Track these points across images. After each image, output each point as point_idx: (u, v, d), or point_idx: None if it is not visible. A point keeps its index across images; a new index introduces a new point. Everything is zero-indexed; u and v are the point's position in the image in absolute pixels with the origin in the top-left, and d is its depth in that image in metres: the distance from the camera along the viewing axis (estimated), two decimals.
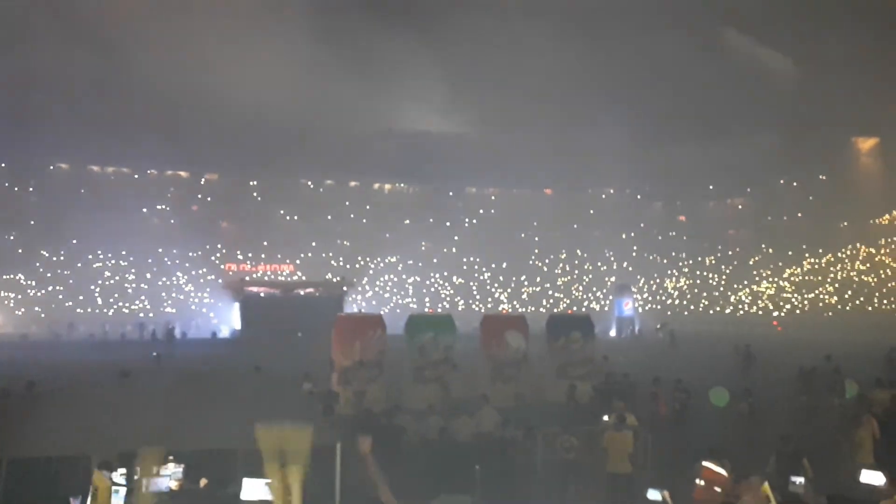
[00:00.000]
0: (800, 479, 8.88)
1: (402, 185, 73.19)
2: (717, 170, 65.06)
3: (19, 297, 54.08)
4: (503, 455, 11.61)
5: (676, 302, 67.26)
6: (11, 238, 56.67)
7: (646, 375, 18.45)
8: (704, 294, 67.60)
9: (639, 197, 74.99)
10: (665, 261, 71.37)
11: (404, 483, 8.98)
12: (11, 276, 54.55)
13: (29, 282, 55.23)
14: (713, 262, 70.60)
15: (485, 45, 60.24)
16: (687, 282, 69.62)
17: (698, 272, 70.12)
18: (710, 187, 72.44)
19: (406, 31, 58.07)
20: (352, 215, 68.49)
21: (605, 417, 12.37)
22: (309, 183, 69.85)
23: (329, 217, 67.03)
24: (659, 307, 65.03)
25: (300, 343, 27.21)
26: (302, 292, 46.02)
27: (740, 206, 74.44)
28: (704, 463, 8.90)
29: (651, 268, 69.90)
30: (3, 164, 59.81)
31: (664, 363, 23.67)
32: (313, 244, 64.06)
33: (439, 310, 57.43)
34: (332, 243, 65.24)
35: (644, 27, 58.95)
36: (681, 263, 71.48)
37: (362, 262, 65.67)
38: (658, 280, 69.71)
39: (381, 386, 18.28)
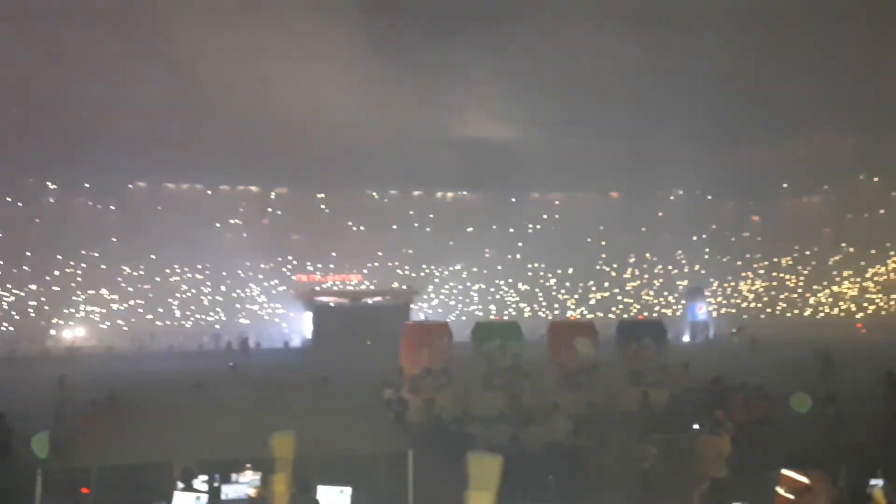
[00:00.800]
0: (877, 482, 8.49)
1: (464, 192, 73.44)
2: (792, 167, 62.75)
3: (104, 311, 56.71)
4: (576, 464, 11.44)
5: (752, 305, 64.99)
6: (95, 255, 59.58)
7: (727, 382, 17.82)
8: (782, 296, 65.10)
9: (710, 197, 72.86)
10: (739, 263, 69.11)
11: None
12: (96, 292, 57.31)
13: (112, 296, 57.85)
14: (790, 262, 67.95)
15: (546, 47, 59.87)
16: (763, 284, 67.20)
17: (775, 273, 67.60)
18: (785, 185, 69.71)
19: (466, 36, 58.23)
20: (416, 224, 69.13)
21: (696, 426, 12.13)
22: (374, 194, 70.94)
23: (394, 227, 67.83)
24: (734, 311, 62.96)
25: (369, 351, 27.55)
26: (370, 301, 46.60)
27: (818, 204, 71.37)
28: (784, 471, 8.55)
29: (725, 270, 67.77)
30: (87, 185, 62.95)
31: (741, 369, 22.84)
32: (379, 254, 64.91)
33: (505, 317, 57.22)
34: (398, 252, 65.95)
35: (712, 24, 57.38)
36: (756, 265, 69.07)
37: (427, 271, 66.12)
38: (732, 283, 67.53)
39: (449, 394, 18.27)
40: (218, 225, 65.16)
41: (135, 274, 59.89)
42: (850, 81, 56.76)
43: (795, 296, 64.77)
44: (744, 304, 65.26)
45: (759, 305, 64.74)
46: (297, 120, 57.76)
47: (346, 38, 57.89)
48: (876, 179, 66.88)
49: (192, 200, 65.59)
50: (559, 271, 68.03)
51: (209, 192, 67.02)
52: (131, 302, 58.02)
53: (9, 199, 59.63)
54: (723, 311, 62.31)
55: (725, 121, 60.05)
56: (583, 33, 57.86)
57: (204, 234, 62.14)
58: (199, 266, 61.81)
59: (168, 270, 60.96)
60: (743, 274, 68.52)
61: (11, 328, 50.49)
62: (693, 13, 57.36)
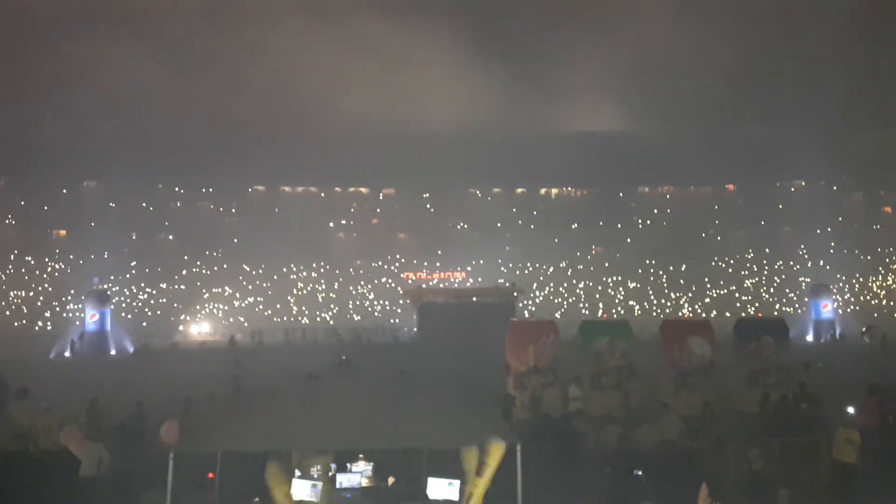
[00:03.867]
0: None
1: (568, 188, 72.36)
2: None
3: (226, 307, 60.12)
4: (689, 465, 11.07)
5: (884, 302, 60.23)
6: (218, 255, 63.28)
7: (850, 383, 16.75)
8: None
9: (835, 188, 67.95)
10: (869, 257, 64.19)
11: (585, 490, 8.86)
12: (219, 290, 60.84)
13: (234, 293, 61.24)
14: None
15: (656, 36, 58.07)
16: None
17: None
18: None
19: (572, 29, 57.50)
20: (519, 221, 68.75)
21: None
22: (477, 192, 71.22)
23: (498, 224, 67.78)
24: (863, 309, 58.58)
25: (475, 348, 27.70)
26: (475, 298, 46.76)
27: None
28: None
29: (852, 266, 63.10)
30: (211, 189, 66.96)
31: (872, 370, 21.28)
32: (484, 251, 65.07)
33: (613, 315, 55.92)
34: (502, 250, 65.84)
35: (831, 7, 53.79)
36: (887, 259, 63.92)
37: (532, 268, 65.64)
38: (861, 279, 62.84)
39: (557, 391, 18.15)
40: (331, 225, 67.83)
41: (254, 272, 63.06)
42: None
43: None
44: (874, 302, 60.59)
45: (892, 303, 59.91)
46: (403, 122, 59.13)
47: (450, 39, 58.56)
48: None
49: (307, 202, 68.46)
50: (671, 268, 65.65)
51: (322, 195, 69.62)
52: (251, 299, 61.15)
53: (143, 204, 64.29)
54: (850, 309, 58.13)
55: (850, 105, 55.99)
56: (696, 19, 55.76)
57: (318, 235, 65.03)
58: (314, 265, 64.42)
59: (285, 269, 63.82)
60: (873, 269, 63.61)
61: (145, 323, 54.37)
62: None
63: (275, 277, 63.02)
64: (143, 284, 59.88)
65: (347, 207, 69.78)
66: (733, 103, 57.59)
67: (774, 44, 54.63)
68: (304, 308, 61.42)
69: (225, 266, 62.64)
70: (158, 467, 9.64)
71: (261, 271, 63.12)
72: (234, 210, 67.89)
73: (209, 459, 10.53)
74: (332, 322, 58.03)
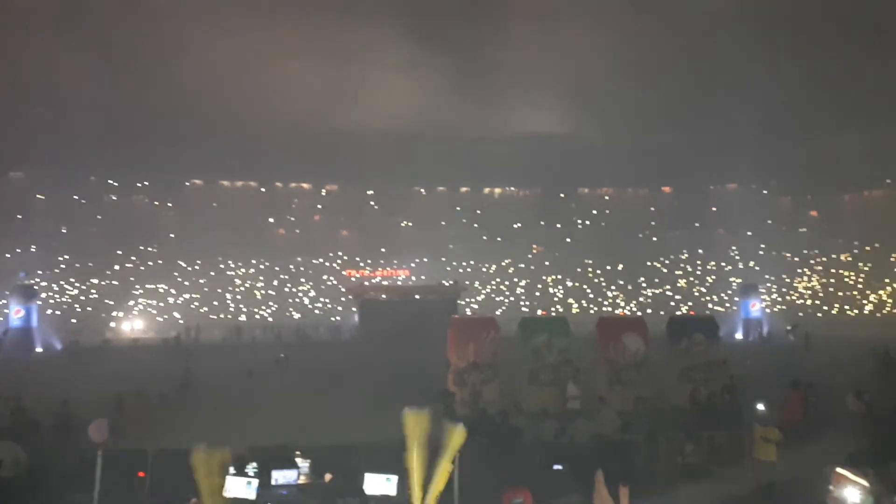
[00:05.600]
0: None
1: (511, 188, 73.20)
2: (852, 160, 60.45)
3: (161, 304, 58.51)
4: (623, 458, 11.36)
5: (809, 302, 63.04)
6: (153, 250, 61.50)
7: (775, 379, 17.47)
8: (840, 294, 62.96)
9: (765, 192, 70.78)
10: (796, 259, 67.06)
11: (518, 484, 9.00)
12: (154, 286, 59.16)
13: (169, 290, 59.64)
14: (849, 259, 65.60)
15: (597, 41, 59.18)
16: (820, 281, 65.08)
17: (833, 270, 65.37)
18: (845, 179, 67.14)
19: (514, 32, 58.04)
20: (463, 220, 69.21)
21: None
22: (422, 190, 71.34)
23: (442, 223, 68.04)
24: (789, 308, 61.16)
25: (417, 345, 27.75)
26: (417, 296, 46.80)
27: (879, 199, 68.58)
28: (839, 470, 8.38)
29: (780, 267, 65.80)
30: (146, 182, 65.02)
31: (795, 367, 22.25)
32: (427, 249, 65.22)
33: (552, 313, 56.84)
34: (445, 248, 66.15)
35: (767, 16, 55.88)
36: (813, 261, 66.92)
37: (474, 266, 66.16)
38: (788, 280, 65.59)
39: (495, 387, 18.34)
40: (271, 221, 66.75)
41: (190, 268, 61.57)
42: None
43: (855, 293, 62.57)
44: (800, 302, 63.34)
45: (816, 303, 62.76)
46: (347, 118, 58.65)
47: (395, 38, 58.38)
48: None
49: (246, 197, 67.24)
50: (608, 267, 67.20)
51: (262, 189, 68.48)
52: (186, 296, 59.68)
53: (74, 196, 61.92)
54: (777, 308, 60.61)
55: (782, 113, 58.28)
56: (634, 26, 57.09)
57: (257, 230, 63.87)
58: (253, 261, 63.28)
59: (223, 265, 62.52)
60: (799, 270, 66.47)
61: (74, 320, 52.41)
62: (748, 5, 55.98)
63: (212, 274, 61.69)
64: (72, 279, 57.79)
65: (289, 203, 68.88)
66: (671, 108, 59.17)
67: (710, 52, 56.39)
68: (242, 305, 60.32)
69: (160, 261, 60.98)
70: (86, 467, 9.36)
71: (197, 267, 61.69)
72: (170, 204, 66.11)
73: (140, 458, 10.27)
74: (271, 320, 57.17)
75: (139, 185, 65.17)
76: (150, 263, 60.87)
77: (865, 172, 63.63)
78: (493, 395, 17.70)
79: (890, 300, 60.42)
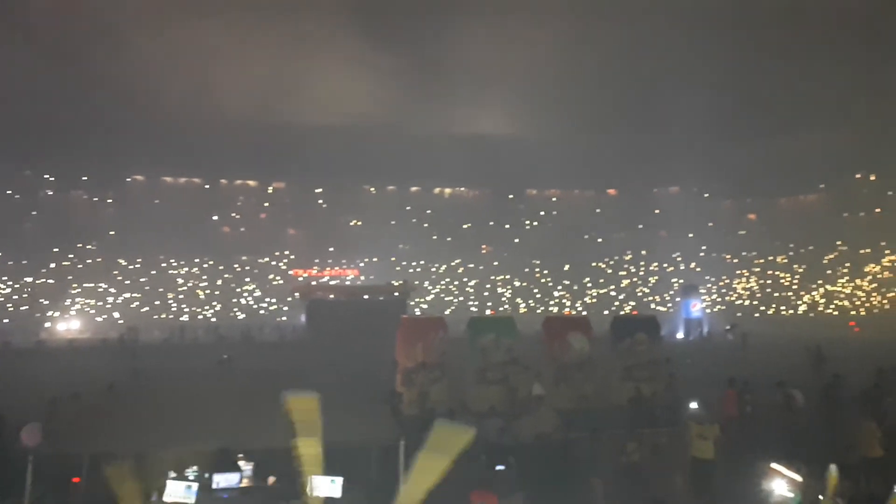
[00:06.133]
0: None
1: (462, 189, 73.48)
2: (789, 165, 62.78)
3: (99, 303, 56.71)
4: (565, 456, 11.53)
5: (747, 303, 65.15)
6: (92, 248, 59.53)
7: (714, 378, 17.98)
8: (776, 295, 65.27)
9: (706, 195, 72.88)
10: (735, 261, 69.26)
11: (464, 484, 9.04)
12: (93, 285, 57.29)
13: (108, 289, 57.84)
14: (785, 261, 68.11)
15: (545, 44, 59.78)
16: (758, 282, 67.35)
17: (770, 272, 67.76)
18: (782, 184, 69.70)
19: (464, 32, 58.15)
20: (413, 220, 69.13)
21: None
22: (372, 189, 70.93)
23: (392, 222, 67.84)
24: (728, 308, 63.11)
25: (365, 345, 27.58)
26: (366, 296, 46.55)
27: (814, 203, 71.46)
28: (774, 465, 8.67)
29: (720, 268, 67.91)
30: (85, 178, 62.86)
31: (733, 365, 22.97)
32: (377, 249, 64.95)
33: (501, 312, 57.34)
34: (395, 248, 65.99)
35: (709, 21, 57.38)
36: (751, 263, 69.23)
37: (424, 266, 66.18)
38: (727, 281, 67.67)
39: (443, 387, 18.38)
40: (215, 219, 65.32)
41: (131, 267, 59.87)
42: (847, 80, 56.83)
43: (790, 294, 64.93)
44: (738, 302, 65.40)
45: (754, 303, 64.90)
46: (295, 115, 57.86)
47: (344, 34, 57.85)
48: (873, 178, 67.04)
49: (190, 194, 65.60)
50: (555, 268, 68.14)
51: (207, 187, 66.98)
52: (127, 295, 58.00)
53: (7, 191, 59.47)
54: (717, 308, 62.46)
55: (723, 119, 60.09)
56: (581, 30, 57.90)
57: (201, 228, 62.39)
58: (197, 260, 61.85)
59: (164, 264, 60.96)
60: (738, 272, 68.65)
61: (7, 320, 50.38)
62: (690, 10, 57.37)
63: (153, 272, 60.08)
64: (5, 278, 55.49)
65: (234, 200, 67.51)
66: (617, 112, 60.25)
67: (656, 56, 57.60)
68: (184, 305, 58.93)
69: (99, 259, 59.09)
70: (16, 473, 8.99)
71: (138, 266, 60.01)
72: (110, 200, 64.12)
73: (75, 463, 9.93)
74: (214, 320, 56.01)
75: (78, 180, 62.96)
76: (89, 261, 58.96)
77: (801, 177, 66.12)
78: (441, 395, 17.72)
79: (822, 300, 62.88)
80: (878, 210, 64.95)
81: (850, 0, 56.81)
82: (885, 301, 59.66)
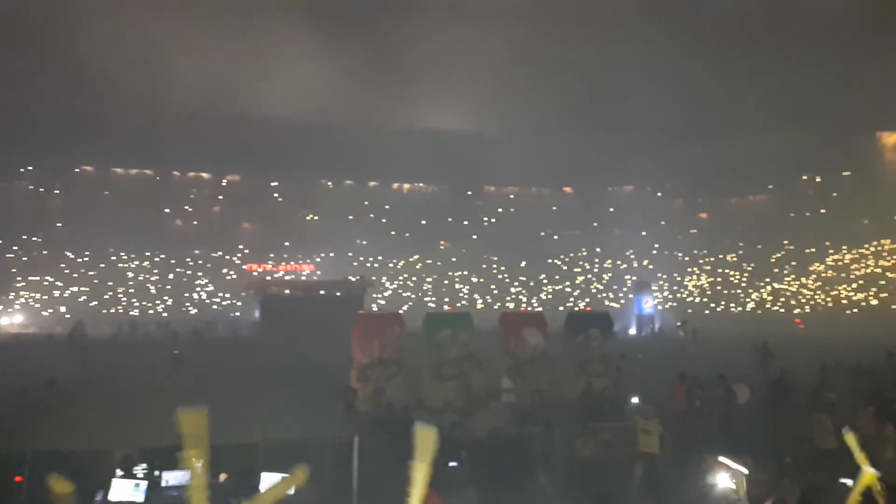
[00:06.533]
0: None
1: (420, 184, 73.43)
2: (739, 166, 64.45)
3: (45, 297, 55.02)
4: (519, 450, 11.65)
5: (697, 300, 66.70)
6: (37, 240, 57.70)
7: (664, 373, 18.38)
8: (726, 292, 66.98)
9: (659, 194, 74.35)
10: (686, 258, 70.81)
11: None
12: (38, 278, 55.55)
13: (55, 283, 56.15)
14: (734, 259, 69.92)
15: (504, 42, 60.08)
16: (708, 280, 69.02)
17: (719, 270, 69.48)
18: (732, 184, 71.59)
19: (424, 28, 58.01)
20: (371, 215, 68.75)
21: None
22: (329, 183, 70.32)
23: (349, 217, 67.35)
24: (679, 305, 64.52)
25: (320, 341, 27.41)
26: (322, 292, 46.16)
27: (762, 203, 73.57)
28: (721, 458, 8.91)
29: (671, 266, 69.34)
30: (30, 168, 60.84)
31: (683, 361, 23.53)
32: (333, 244, 64.43)
33: (458, 308, 57.54)
34: (352, 243, 65.56)
35: (662, 23, 58.48)
36: (702, 261, 70.90)
37: (381, 262, 65.95)
38: (678, 278, 69.16)
39: (399, 383, 18.38)
40: (167, 211, 63.92)
41: (79, 260, 58.21)
42: (795, 84, 58.50)
43: (739, 292, 66.68)
44: (689, 299, 66.90)
45: (704, 300, 66.46)
46: (250, 106, 57.00)
47: (302, 27, 57.13)
48: (818, 179, 69.34)
49: (141, 186, 64.06)
50: (512, 264, 68.67)
51: (158, 178, 65.48)
52: (74, 289, 56.40)
53: None
54: (669, 305, 63.79)
55: (677, 120, 61.34)
56: (539, 29, 58.37)
57: (152, 221, 60.89)
58: (148, 254, 60.44)
59: (114, 257, 59.43)
60: (689, 270, 70.22)
61: None
62: (646, 11, 58.39)
63: (102, 266, 58.49)
64: None
65: (186, 193, 66.11)
66: (574, 110, 60.91)
67: (613, 57, 58.36)
68: (134, 300, 57.56)
69: (45, 252, 57.25)
70: None
71: (86, 259, 58.36)
72: (57, 191, 62.14)
73: (17, 461, 9.63)
74: (165, 315, 54.84)
75: (22, 169, 60.83)
76: (35, 254, 57.08)
77: (750, 178, 67.99)
78: (396, 391, 17.72)
79: (770, 298, 64.74)
80: (823, 210, 67.15)
81: (796, 4, 58.59)
82: (828, 299, 61.72)
